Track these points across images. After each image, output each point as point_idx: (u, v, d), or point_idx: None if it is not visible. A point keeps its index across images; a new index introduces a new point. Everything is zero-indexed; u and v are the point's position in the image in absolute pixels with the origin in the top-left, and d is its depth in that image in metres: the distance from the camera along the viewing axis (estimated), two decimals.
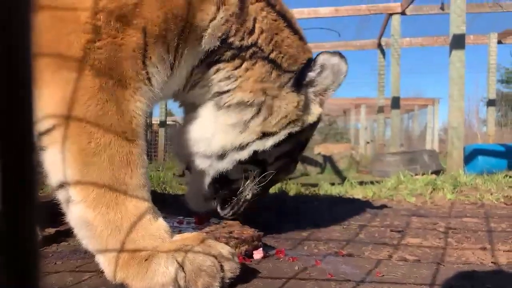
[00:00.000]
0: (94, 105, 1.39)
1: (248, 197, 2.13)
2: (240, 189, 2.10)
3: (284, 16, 2.03)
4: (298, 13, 10.18)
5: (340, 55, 2.03)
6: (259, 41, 1.92)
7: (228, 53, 1.86)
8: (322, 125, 27.72)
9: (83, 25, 1.40)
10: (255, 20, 1.90)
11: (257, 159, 2.01)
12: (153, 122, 14.32)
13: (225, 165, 1.99)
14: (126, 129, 1.45)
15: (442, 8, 10.24)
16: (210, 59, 1.86)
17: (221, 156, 1.96)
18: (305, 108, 2.07)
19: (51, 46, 1.39)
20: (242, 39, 1.87)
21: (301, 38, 2.13)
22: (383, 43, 13.13)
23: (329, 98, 2.16)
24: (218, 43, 1.80)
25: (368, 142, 24.44)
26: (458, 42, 6.19)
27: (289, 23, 2.06)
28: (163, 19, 1.56)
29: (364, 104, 23.43)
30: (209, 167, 2.04)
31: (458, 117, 6.18)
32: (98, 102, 1.40)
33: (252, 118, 1.94)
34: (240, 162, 1.99)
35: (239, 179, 2.09)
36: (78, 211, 1.38)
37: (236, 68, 1.90)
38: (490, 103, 12.80)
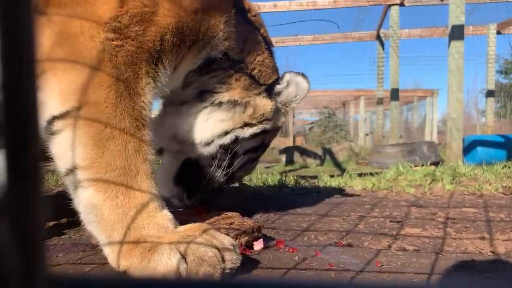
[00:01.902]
0: (113, 92, 1.46)
1: (215, 185, 2.35)
2: (208, 174, 2.29)
3: (265, 39, 2.36)
4: (296, 5, 10.15)
5: (303, 75, 2.34)
6: (246, 59, 2.20)
7: (226, 64, 2.10)
8: (321, 117, 27.74)
9: (105, 24, 1.49)
10: (245, 40, 2.19)
11: (230, 149, 2.22)
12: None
13: (209, 149, 2.18)
14: (138, 118, 1.52)
15: None
16: (210, 68, 2.08)
17: (208, 143, 2.16)
18: (275, 112, 2.37)
19: (74, 37, 1.47)
20: (236, 54, 2.14)
21: (274, 60, 2.45)
22: (382, 35, 13.10)
23: (291, 109, 2.52)
24: (220, 55, 2.02)
25: (367, 134, 24.48)
26: (457, 33, 6.18)
27: (268, 46, 2.38)
28: (180, 31, 1.71)
29: (363, 96, 23.41)
30: (193, 152, 2.22)
31: (457, 108, 6.19)
32: (117, 90, 1.47)
33: (239, 114, 2.19)
34: (221, 147, 2.18)
35: (210, 166, 2.27)
36: (87, 195, 1.41)
37: (229, 77, 2.15)
38: (489, 94, 12.82)
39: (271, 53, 2.41)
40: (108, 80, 1.46)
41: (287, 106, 2.41)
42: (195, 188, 2.31)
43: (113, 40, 1.50)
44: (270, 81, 2.35)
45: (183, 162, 2.28)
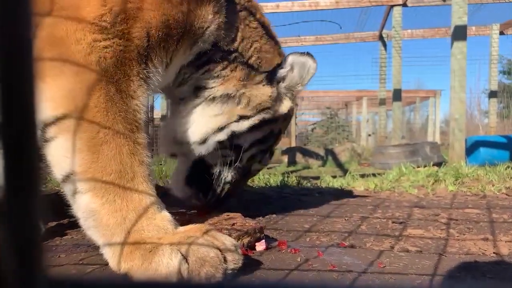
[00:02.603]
0: (103, 96, 1.45)
1: (228, 179, 2.28)
2: (217, 172, 2.27)
3: (263, 24, 2.28)
4: (299, 5, 10.15)
5: (308, 54, 2.25)
6: (240, 47, 2.14)
7: (217, 55, 2.06)
8: (323, 118, 27.74)
9: (90, 25, 1.48)
10: (237, 28, 2.12)
11: (234, 144, 2.18)
12: (154, 116, 14.33)
13: (206, 147, 2.14)
14: (131, 121, 1.51)
15: (443, 0, 10.19)
16: (200, 61, 2.04)
17: (203, 140, 2.13)
18: (277, 99, 2.30)
19: (60, 41, 1.46)
20: (228, 44, 2.08)
21: (276, 43, 2.37)
22: (384, 35, 13.08)
23: (299, 92, 2.41)
24: (210, 46, 1.99)
25: (369, 135, 24.44)
26: (459, 33, 6.16)
27: (267, 30, 2.30)
28: (166, 24, 1.69)
29: (365, 96, 23.37)
30: (192, 152, 2.19)
31: (459, 108, 6.17)
32: (107, 94, 1.46)
33: (232, 107, 2.14)
34: (219, 143, 2.14)
35: (217, 164, 2.25)
36: (85, 201, 1.40)
37: (223, 69, 2.09)
38: (492, 94, 12.77)
39: (271, 37, 2.32)
40: (97, 84, 1.45)
41: (293, 90, 2.34)
42: (208, 186, 2.29)
43: (100, 41, 1.49)
44: (272, 66, 2.28)
45: (193, 162, 2.26)
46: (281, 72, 2.25)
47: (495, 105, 12.78)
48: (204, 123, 2.11)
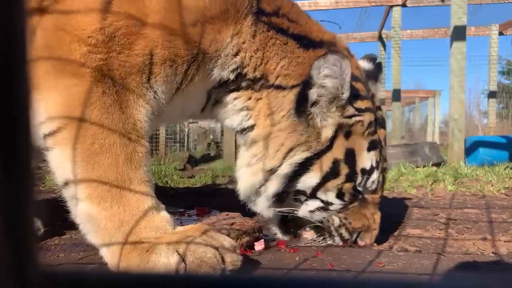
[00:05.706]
0: (98, 108, 1.43)
1: (336, 223, 2.00)
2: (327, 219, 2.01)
3: (294, 35, 1.90)
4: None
5: (331, 53, 1.82)
6: (266, 71, 1.85)
7: (243, 84, 1.87)
8: None
9: (86, 38, 1.44)
10: (264, 49, 1.83)
11: (294, 193, 1.95)
12: None
13: (269, 210, 2.00)
14: (130, 131, 1.50)
15: (442, 0, 10.20)
16: (224, 88, 1.88)
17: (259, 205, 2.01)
18: (309, 130, 1.88)
19: (54, 52, 1.44)
20: (254, 70, 1.84)
21: (316, 45, 1.95)
22: (383, 36, 13.08)
23: (345, 100, 1.85)
24: (232, 76, 1.82)
25: None
26: (459, 33, 6.17)
27: (301, 37, 1.92)
28: (173, 44, 1.59)
29: None
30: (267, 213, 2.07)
31: (459, 108, 6.18)
32: (102, 106, 1.44)
33: (259, 157, 1.91)
34: (275, 203, 1.96)
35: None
36: (83, 208, 1.42)
37: (249, 99, 1.90)
38: (491, 95, 12.78)
39: (308, 45, 1.92)
40: (92, 95, 1.43)
41: (334, 105, 1.87)
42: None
43: (96, 54, 1.45)
44: (304, 74, 1.86)
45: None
46: (312, 96, 1.85)
47: (494, 105, 12.79)
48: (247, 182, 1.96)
